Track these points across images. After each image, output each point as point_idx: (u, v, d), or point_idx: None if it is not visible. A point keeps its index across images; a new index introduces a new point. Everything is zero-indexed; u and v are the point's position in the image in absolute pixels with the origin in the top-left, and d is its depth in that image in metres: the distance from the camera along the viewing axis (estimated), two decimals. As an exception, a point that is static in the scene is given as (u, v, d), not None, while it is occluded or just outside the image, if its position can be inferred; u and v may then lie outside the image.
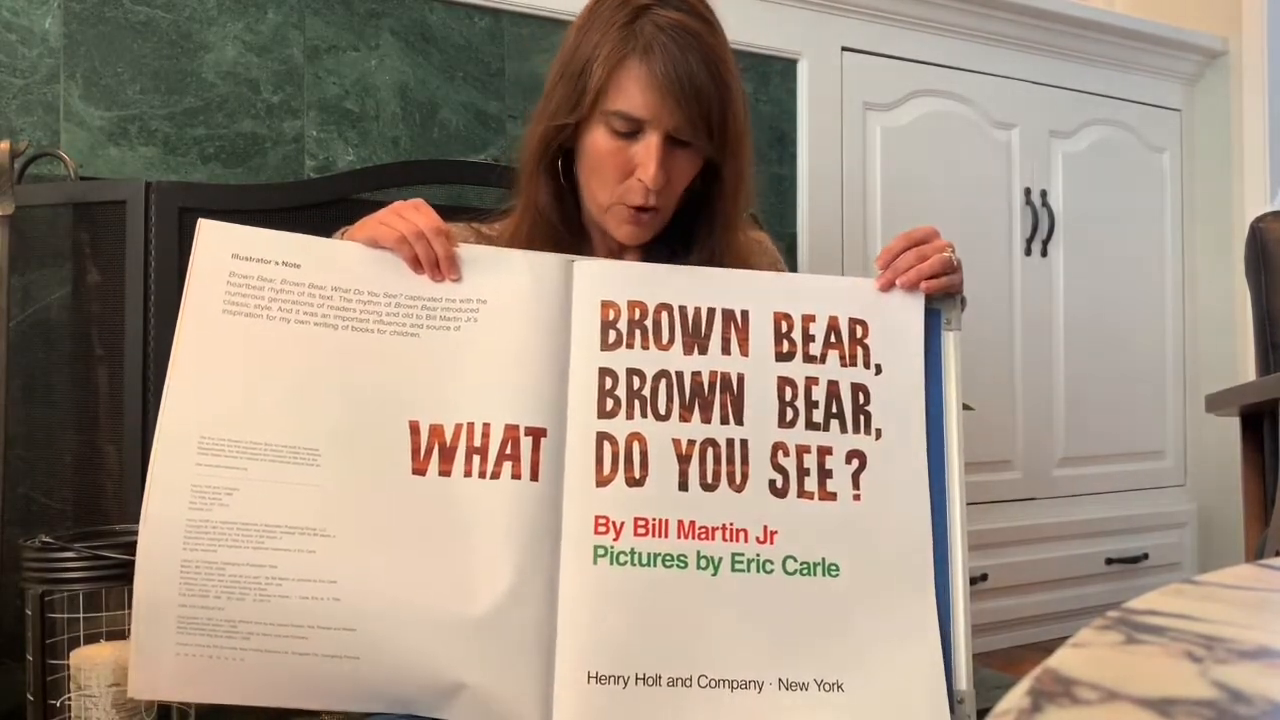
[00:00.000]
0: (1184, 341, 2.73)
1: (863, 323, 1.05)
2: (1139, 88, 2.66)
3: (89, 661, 1.09)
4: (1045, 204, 2.49)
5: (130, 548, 1.13)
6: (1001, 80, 2.44)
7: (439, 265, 1.01)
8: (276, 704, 0.92)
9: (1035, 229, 2.47)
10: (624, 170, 1.09)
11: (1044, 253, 2.49)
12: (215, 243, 0.99)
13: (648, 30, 1.06)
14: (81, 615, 1.14)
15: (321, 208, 1.56)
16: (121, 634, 1.15)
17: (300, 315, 0.98)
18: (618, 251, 1.18)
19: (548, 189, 1.15)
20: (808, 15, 2.16)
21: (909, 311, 1.06)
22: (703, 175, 1.14)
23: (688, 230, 1.17)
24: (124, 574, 1.14)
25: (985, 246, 2.38)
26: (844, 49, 2.21)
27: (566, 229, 1.15)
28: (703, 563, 0.96)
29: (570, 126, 1.10)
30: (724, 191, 1.14)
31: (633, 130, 1.08)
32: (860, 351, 1.04)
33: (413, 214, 1.02)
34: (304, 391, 0.96)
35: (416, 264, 1.01)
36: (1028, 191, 2.47)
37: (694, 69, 1.06)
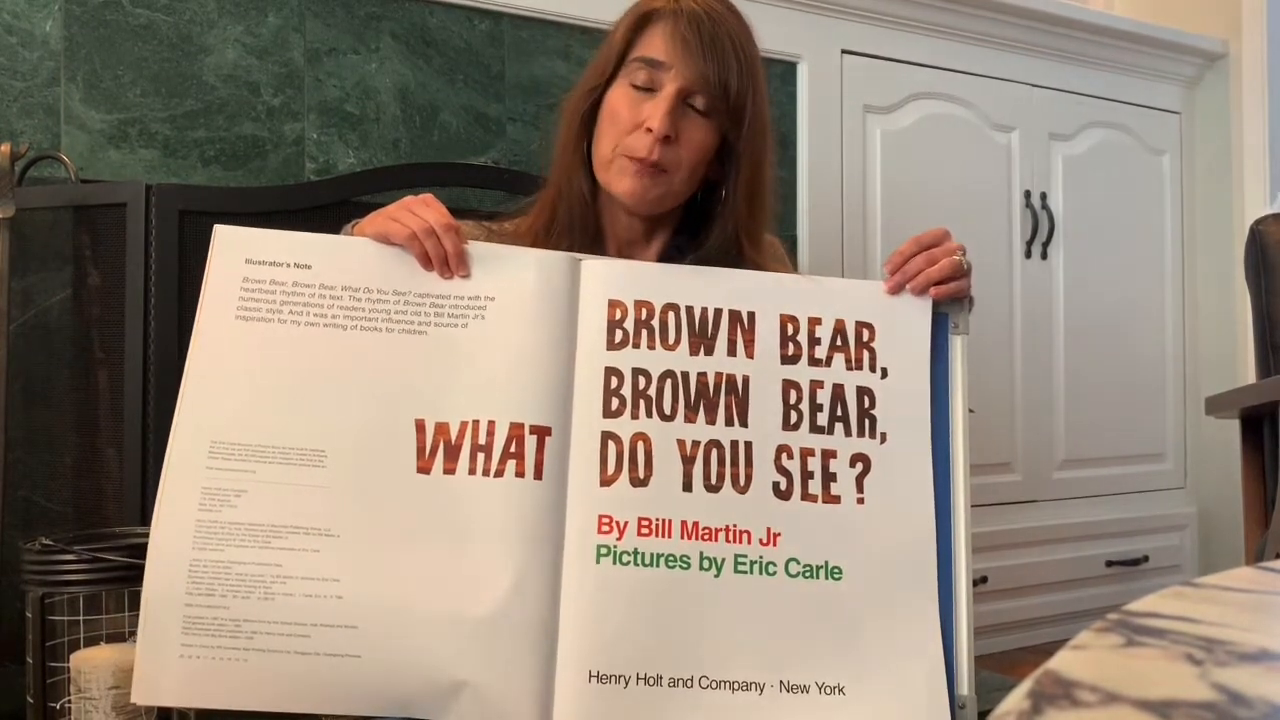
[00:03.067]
0: (1184, 344, 2.73)
1: (869, 326, 1.05)
2: (1139, 90, 2.66)
3: (89, 664, 1.09)
4: (1045, 206, 2.49)
5: (130, 550, 1.14)
6: (1001, 83, 2.44)
7: (448, 262, 1.01)
8: (278, 708, 0.92)
9: (1035, 231, 2.47)
10: (634, 121, 1.10)
11: (1044, 255, 2.49)
12: (230, 248, 1.01)
13: (681, 1, 1.11)
14: (82, 618, 1.14)
15: (322, 210, 1.56)
16: (121, 637, 1.15)
17: (310, 317, 0.99)
18: (628, 252, 1.18)
19: (582, 167, 1.15)
20: (807, 18, 2.16)
21: (916, 315, 1.06)
22: (719, 164, 1.14)
23: (702, 234, 1.17)
24: (124, 577, 1.14)
25: (985, 249, 2.38)
26: (844, 52, 2.22)
27: (585, 225, 1.15)
28: (706, 564, 0.96)
29: (599, 90, 1.13)
30: (739, 181, 1.14)
31: (650, 82, 1.09)
32: (866, 355, 1.04)
33: (423, 209, 1.03)
34: (312, 394, 0.97)
35: (426, 260, 1.01)
36: (1028, 194, 2.47)
37: (718, 34, 1.09)
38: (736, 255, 1.15)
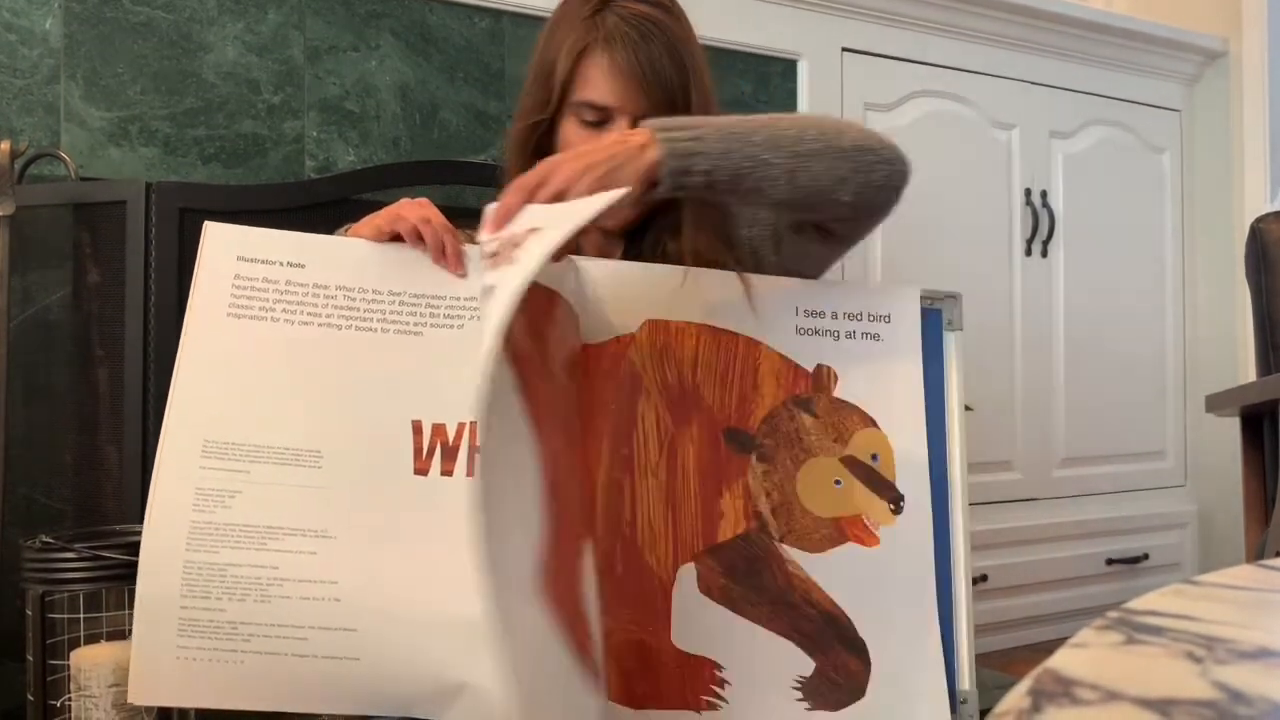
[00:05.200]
0: (1184, 342, 2.73)
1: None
2: (1139, 88, 2.66)
3: (89, 662, 1.09)
4: (1045, 204, 2.49)
5: (131, 548, 1.13)
6: (1002, 81, 2.44)
7: (460, 260, 1.01)
8: (276, 708, 0.92)
9: (1035, 229, 2.47)
10: None
11: (1044, 253, 2.49)
12: (220, 245, 0.99)
13: (610, 21, 1.08)
14: (82, 615, 1.14)
15: (322, 208, 1.56)
16: (122, 634, 1.15)
17: (304, 316, 0.98)
18: (605, 247, 1.17)
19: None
20: (808, 16, 2.16)
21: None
22: None
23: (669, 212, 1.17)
24: (124, 574, 1.14)
25: (985, 247, 2.38)
26: (844, 49, 2.21)
27: None
28: None
29: (545, 123, 1.12)
30: None
31: (601, 120, 1.09)
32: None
33: (420, 210, 1.03)
34: (307, 394, 0.96)
35: (439, 253, 1.01)
36: (1028, 192, 2.47)
37: (655, 55, 1.07)
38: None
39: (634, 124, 1.08)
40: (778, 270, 1.09)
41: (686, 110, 1.09)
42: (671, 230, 1.14)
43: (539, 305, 0.96)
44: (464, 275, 1.02)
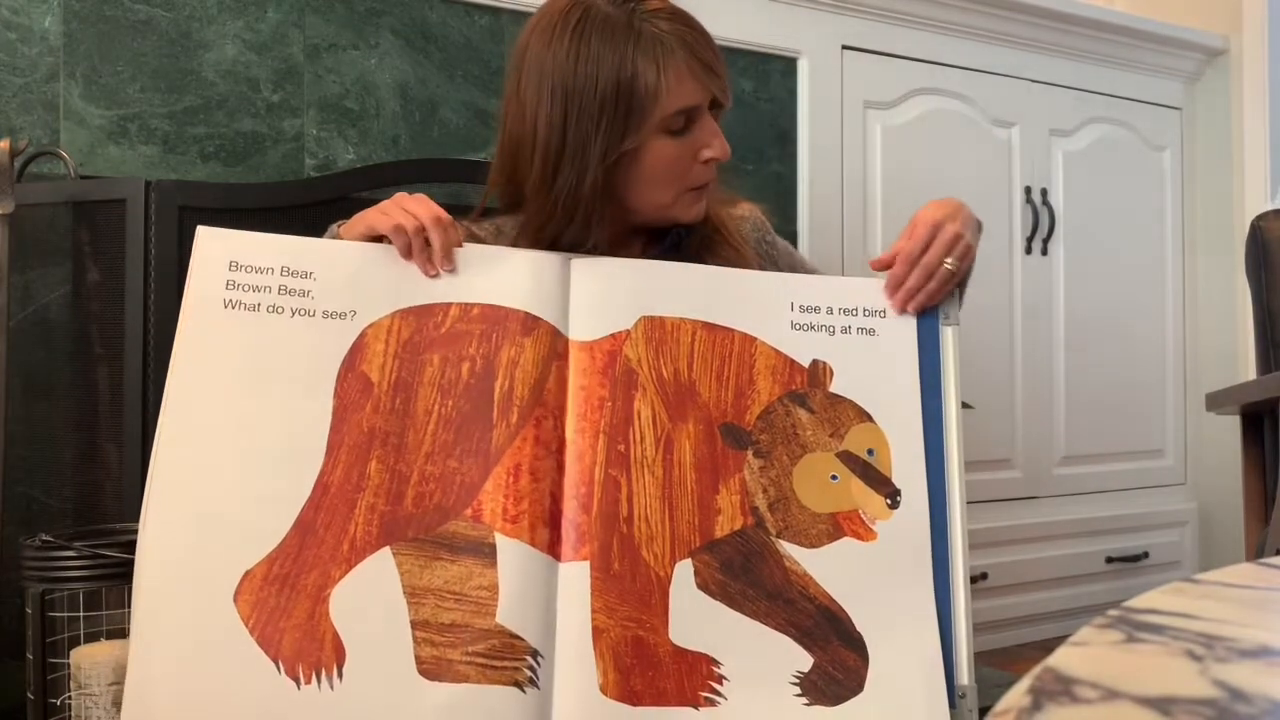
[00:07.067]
0: (1184, 340, 2.73)
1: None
2: (1139, 86, 2.66)
3: (89, 660, 1.09)
4: (1046, 202, 2.49)
5: (130, 546, 1.13)
6: (1002, 78, 2.43)
7: (432, 259, 1.01)
8: None
9: (1036, 227, 2.47)
10: (689, 163, 1.11)
11: (1044, 251, 2.49)
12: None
13: (653, 30, 1.07)
14: (82, 614, 1.14)
15: (321, 206, 1.56)
16: (122, 632, 1.15)
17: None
18: (621, 239, 1.17)
19: (605, 213, 1.10)
20: (808, 14, 2.16)
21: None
22: None
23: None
24: (124, 573, 1.14)
25: (985, 245, 2.35)
26: (844, 47, 2.21)
27: (580, 238, 1.12)
28: None
29: (628, 154, 1.08)
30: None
31: (686, 125, 1.09)
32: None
33: (414, 205, 1.02)
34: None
35: (407, 253, 1.01)
36: (1028, 190, 2.47)
37: (701, 33, 1.10)
38: (715, 232, 1.18)
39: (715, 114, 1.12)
40: None
41: (731, 86, 1.14)
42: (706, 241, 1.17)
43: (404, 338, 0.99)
44: (453, 271, 1.01)
